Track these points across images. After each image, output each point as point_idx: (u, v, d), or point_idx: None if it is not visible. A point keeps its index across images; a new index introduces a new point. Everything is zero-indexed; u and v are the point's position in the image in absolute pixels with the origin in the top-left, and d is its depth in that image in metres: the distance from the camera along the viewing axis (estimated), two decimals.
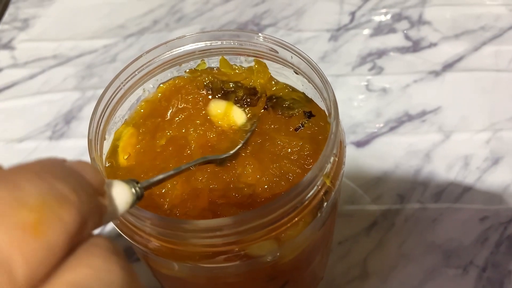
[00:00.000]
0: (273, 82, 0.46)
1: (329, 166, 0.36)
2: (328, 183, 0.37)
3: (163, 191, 0.40)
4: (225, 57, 0.46)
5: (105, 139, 0.41)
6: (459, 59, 0.78)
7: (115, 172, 0.42)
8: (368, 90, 0.75)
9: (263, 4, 0.89)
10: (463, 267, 0.57)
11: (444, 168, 0.66)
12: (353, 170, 0.66)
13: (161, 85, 0.47)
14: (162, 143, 0.43)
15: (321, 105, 0.45)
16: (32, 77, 0.82)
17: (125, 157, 0.42)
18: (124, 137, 0.43)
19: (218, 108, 0.45)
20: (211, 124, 0.45)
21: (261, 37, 0.44)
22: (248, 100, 0.45)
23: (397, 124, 0.71)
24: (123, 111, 0.44)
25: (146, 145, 0.43)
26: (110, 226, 0.61)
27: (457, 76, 0.76)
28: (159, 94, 0.47)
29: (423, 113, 0.71)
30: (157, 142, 0.43)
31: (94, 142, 0.37)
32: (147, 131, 0.44)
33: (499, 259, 0.58)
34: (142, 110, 0.46)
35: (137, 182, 0.27)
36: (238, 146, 0.42)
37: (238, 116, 0.45)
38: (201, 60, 0.47)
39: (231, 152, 0.42)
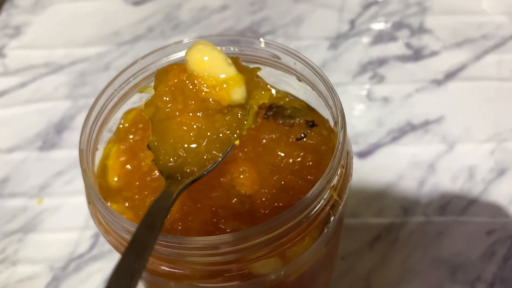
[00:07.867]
0: (273, 91, 0.44)
1: (336, 178, 0.34)
2: (335, 196, 0.34)
3: None
4: None
5: (97, 150, 0.38)
6: (461, 68, 0.76)
7: (106, 192, 0.39)
8: (369, 99, 0.73)
9: (261, 11, 0.88)
10: (470, 283, 0.55)
11: (448, 179, 0.64)
12: (355, 182, 0.64)
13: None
14: (148, 162, 0.40)
15: (324, 114, 0.43)
16: (23, 85, 0.80)
17: (115, 179, 0.40)
18: (113, 157, 0.40)
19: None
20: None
21: (262, 43, 0.42)
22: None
23: (399, 134, 0.69)
24: (117, 120, 0.42)
25: (134, 164, 0.41)
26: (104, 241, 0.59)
27: (459, 85, 0.74)
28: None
29: (426, 123, 0.70)
30: (143, 161, 0.40)
31: (86, 152, 0.35)
32: (133, 148, 0.42)
33: (507, 274, 0.55)
34: (126, 124, 0.43)
35: None
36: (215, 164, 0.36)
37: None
38: None
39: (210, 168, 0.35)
